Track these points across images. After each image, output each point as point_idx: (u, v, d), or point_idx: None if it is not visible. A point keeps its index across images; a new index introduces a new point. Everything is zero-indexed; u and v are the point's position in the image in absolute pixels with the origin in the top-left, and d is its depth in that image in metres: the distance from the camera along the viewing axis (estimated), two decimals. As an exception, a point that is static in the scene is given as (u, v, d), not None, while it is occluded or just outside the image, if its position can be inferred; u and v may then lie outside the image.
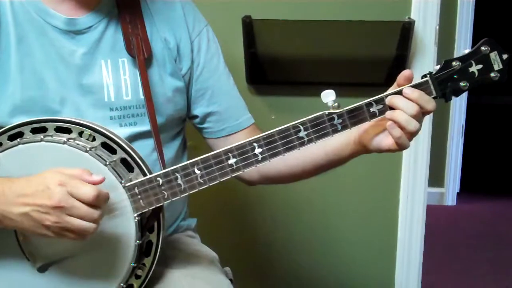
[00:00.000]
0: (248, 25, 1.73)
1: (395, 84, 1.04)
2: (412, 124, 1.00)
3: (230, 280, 1.27)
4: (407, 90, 1.01)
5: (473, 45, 1.02)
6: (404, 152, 1.86)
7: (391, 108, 1.02)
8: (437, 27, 1.78)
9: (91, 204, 0.96)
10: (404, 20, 1.73)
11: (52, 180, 0.96)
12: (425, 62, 1.79)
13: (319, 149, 1.15)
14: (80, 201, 0.96)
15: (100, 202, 0.97)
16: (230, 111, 1.27)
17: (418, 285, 1.98)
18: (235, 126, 1.27)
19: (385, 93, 1.02)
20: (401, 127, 1.01)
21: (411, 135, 1.02)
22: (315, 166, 1.19)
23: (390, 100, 1.01)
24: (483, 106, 4.88)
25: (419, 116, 1.01)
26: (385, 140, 1.05)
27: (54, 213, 0.96)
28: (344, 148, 1.13)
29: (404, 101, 1.00)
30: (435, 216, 3.24)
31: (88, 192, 0.95)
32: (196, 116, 1.27)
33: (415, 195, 1.90)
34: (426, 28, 1.77)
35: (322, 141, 1.04)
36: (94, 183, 0.98)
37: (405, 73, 1.03)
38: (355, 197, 1.94)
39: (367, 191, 1.92)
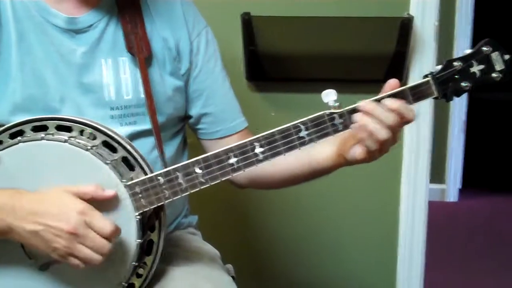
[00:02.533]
0: (247, 22, 1.73)
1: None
2: (382, 133, 0.99)
3: (232, 277, 1.27)
4: (388, 102, 1.00)
5: (472, 42, 1.02)
6: (405, 148, 1.85)
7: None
8: (437, 23, 1.77)
9: (105, 237, 0.98)
10: (403, 16, 1.72)
11: (73, 206, 0.98)
12: (424, 58, 1.78)
13: (304, 157, 1.15)
14: (95, 232, 0.98)
15: (113, 237, 0.99)
16: (225, 114, 1.27)
17: (421, 281, 1.98)
18: (230, 128, 1.27)
19: (386, 93, 1.01)
20: (370, 134, 1.00)
21: (381, 144, 1.01)
22: (300, 174, 1.19)
23: (365, 107, 1.00)
24: (484, 102, 4.85)
25: (396, 125, 1.00)
26: (358, 149, 1.05)
27: (67, 238, 0.97)
28: (328, 159, 1.13)
29: (376, 107, 0.99)
30: (437, 212, 3.23)
31: (106, 226, 0.98)
32: (191, 117, 1.27)
33: (416, 191, 1.89)
34: (425, 24, 1.76)
35: (305, 149, 1.03)
36: (107, 199, 1.00)
37: (390, 82, 1.02)
38: (356, 194, 1.93)
39: (368, 188, 1.92)
